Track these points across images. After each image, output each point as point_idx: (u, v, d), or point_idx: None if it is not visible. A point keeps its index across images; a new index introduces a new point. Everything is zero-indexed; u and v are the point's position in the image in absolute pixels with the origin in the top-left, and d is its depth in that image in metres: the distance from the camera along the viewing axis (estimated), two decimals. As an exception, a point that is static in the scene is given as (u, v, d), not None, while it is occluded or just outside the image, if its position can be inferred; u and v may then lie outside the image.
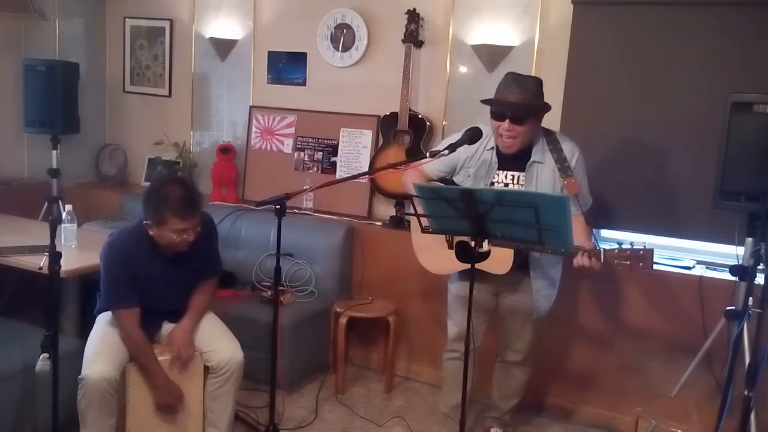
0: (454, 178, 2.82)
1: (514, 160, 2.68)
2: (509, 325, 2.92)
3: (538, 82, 2.63)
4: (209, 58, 4.62)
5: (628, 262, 2.36)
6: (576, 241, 2.34)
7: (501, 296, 2.87)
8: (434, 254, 2.86)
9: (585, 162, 2.71)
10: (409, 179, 2.80)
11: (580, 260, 2.41)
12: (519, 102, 2.54)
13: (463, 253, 2.73)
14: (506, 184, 2.71)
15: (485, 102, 2.64)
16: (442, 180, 2.85)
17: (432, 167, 2.79)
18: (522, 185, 2.68)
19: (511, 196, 2.20)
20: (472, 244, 2.30)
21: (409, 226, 2.97)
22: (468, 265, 2.66)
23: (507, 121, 2.55)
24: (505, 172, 2.71)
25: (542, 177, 2.66)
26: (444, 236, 2.66)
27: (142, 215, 2.65)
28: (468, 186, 2.70)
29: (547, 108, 2.65)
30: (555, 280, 2.84)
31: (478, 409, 3.37)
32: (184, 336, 2.75)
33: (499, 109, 2.58)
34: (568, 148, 2.67)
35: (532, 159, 2.66)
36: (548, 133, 2.70)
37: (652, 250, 2.34)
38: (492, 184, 2.71)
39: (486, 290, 2.82)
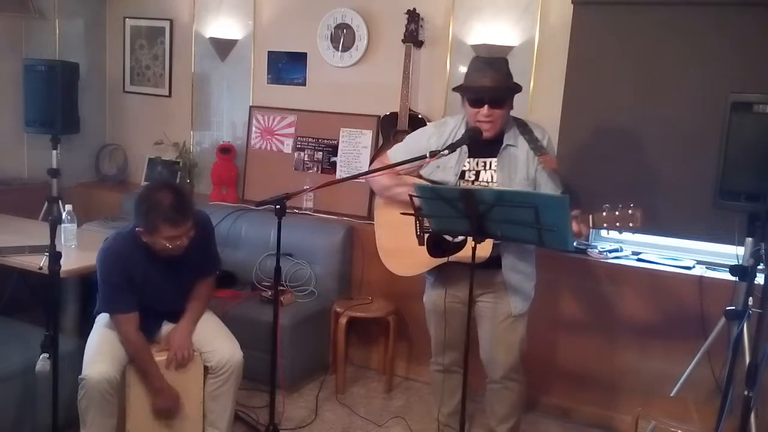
0: (421, 172, 2.72)
1: (485, 146, 2.60)
2: (488, 331, 2.73)
3: (507, 63, 2.59)
4: (209, 58, 4.62)
5: (618, 224, 2.27)
6: None
7: (478, 302, 2.70)
8: (403, 253, 2.73)
9: (554, 146, 2.66)
10: (378, 178, 2.73)
11: None
12: (495, 86, 2.49)
13: (436, 246, 2.63)
14: (477, 172, 2.62)
15: (458, 89, 2.58)
16: (409, 175, 2.73)
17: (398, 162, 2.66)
18: (494, 171, 2.60)
19: (511, 196, 2.20)
20: (447, 237, 2.25)
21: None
22: (441, 260, 2.61)
23: (486, 106, 2.49)
24: (475, 159, 2.62)
25: (516, 161, 2.58)
26: (413, 233, 2.49)
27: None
28: (438, 178, 2.64)
29: (518, 88, 2.60)
30: (530, 273, 2.70)
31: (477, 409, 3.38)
32: (182, 338, 2.75)
33: (476, 95, 2.51)
34: (539, 131, 2.62)
35: (505, 143, 2.59)
36: (518, 120, 2.65)
37: (642, 207, 2.25)
38: (462, 173, 2.63)
39: (458, 299, 2.68)
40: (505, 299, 2.68)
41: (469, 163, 2.64)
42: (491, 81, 2.50)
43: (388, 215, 2.74)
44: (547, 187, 2.58)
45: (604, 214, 2.30)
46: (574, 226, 2.32)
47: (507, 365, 2.75)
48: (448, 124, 2.70)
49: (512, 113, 2.64)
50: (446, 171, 2.65)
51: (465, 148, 2.63)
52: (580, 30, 3.48)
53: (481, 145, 2.60)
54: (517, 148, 2.60)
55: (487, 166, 2.62)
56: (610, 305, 3.36)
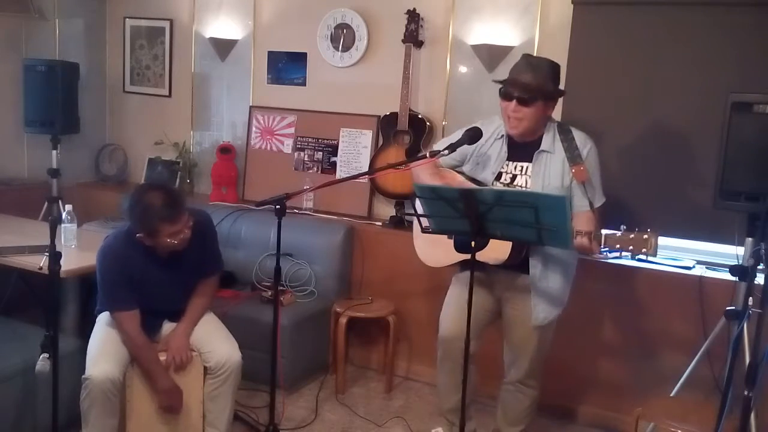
0: (464, 168, 2.76)
1: (524, 150, 2.60)
2: (511, 336, 2.77)
3: (551, 66, 2.57)
4: (209, 58, 4.62)
5: (630, 247, 2.25)
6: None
7: (504, 303, 2.75)
8: (434, 246, 2.78)
9: (599, 157, 2.61)
10: (420, 170, 2.73)
11: (579, 241, 2.33)
12: (527, 83, 2.49)
13: (462, 242, 2.64)
14: (514, 176, 2.63)
15: (497, 81, 2.60)
16: (452, 169, 2.78)
17: (444, 157, 2.70)
18: (530, 176, 2.60)
19: (511, 197, 2.20)
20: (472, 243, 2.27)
21: (412, 223, 2.92)
22: (465, 256, 2.63)
23: (514, 101, 2.51)
24: (514, 163, 2.63)
25: (551, 168, 2.57)
26: None
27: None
28: (479, 177, 2.65)
29: (558, 93, 2.59)
30: (558, 286, 2.65)
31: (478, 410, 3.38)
32: (180, 340, 2.75)
33: (506, 89, 2.54)
34: (581, 139, 2.58)
35: (541, 148, 2.58)
36: (561, 125, 2.64)
37: (657, 234, 2.23)
38: (500, 174, 2.64)
39: (486, 294, 2.73)
40: (530, 306, 2.66)
41: (506, 165, 2.65)
42: (524, 78, 2.51)
43: None
44: (579, 201, 2.54)
45: (618, 235, 2.28)
46: (585, 243, 2.32)
47: (526, 371, 2.78)
48: (493, 123, 2.69)
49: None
50: (485, 171, 2.67)
51: (505, 149, 2.64)
52: (580, 30, 3.48)
53: (520, 148, 2.61)
54: (554, 154, 2.58)
55: (524, 171, 2.62)
56: (610, 305, 3.37)
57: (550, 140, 2.59)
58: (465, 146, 2.61)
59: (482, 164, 2.68)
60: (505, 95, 2.55)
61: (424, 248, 2.87)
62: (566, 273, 2.67)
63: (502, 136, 2.66)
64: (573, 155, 2.54)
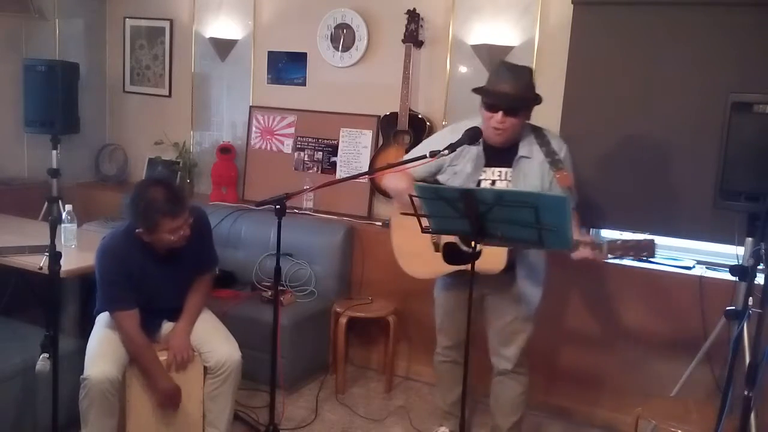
0: (439, 177, 2.74)
1: (502, 155, 2.62)
2: (497, 328, 2.81)
3: (530, 72, 2.59)
4: (209, 58, 4.62)
5: (632, 253, 2.31)
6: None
7: (487, 298, 2.79)
8: (418, 258, 2.77)
9: (572, 160, 2.66)
10: (393, 180, 2.73)
11: (582, 252, 2.36)
12: (513, 94, 2.49)
13: (452, 254, 2.66)
14: (493, 181, 2.64)
15: (477, 91, 2.58)
16: (424, 180, 2.74)
17: (416, 167, 2.67)
18: (509, 181, 2.62)
19: (511, 196, 2.19)
20: (463, 247, 2.27)
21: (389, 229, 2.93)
22: (455, 267, 2.65)
23: (500, 113, 2.50)
24: (492, 168, 2.65)
25: (530, 172, 2.60)
26: (429, 238, 2.60)
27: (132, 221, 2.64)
28: (457, 185, 2.64)
29: (538, 100, 2.60)
30: (540, 277, 2.76)
31: (475, 409, 3.38)
32: (181, 339, 2.75)
33: (492, 101, 2.52)
34: (557, 143, 2.63)
35: (519, 154, 2.60)
36: (536, 129, 2.66)
37: (653, 240, 2.30)
38: (479, 181, 2.65)
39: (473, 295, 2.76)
40: (516, 301, 2.74)
41: (485, 172, 2.65)
42: (510, 88, 2.49)
43: (406, 219, 2.74)
44: None
45: (619, 243, 2.34)
46: (588, 254, 2.36)
47: (517, 358, 2.82)
48: (463, 128, 2.67)
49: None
50: (464, 178, 2.66)
51: (482, 156, 2.64)
52: (580, 30, 3.48)
53: (497, 153, 2.62)
54: (532, 159, 2.61)
55: (503, 176, 2.64)
56: (610, 305, 3.36)
57: (528, 145, 2.62)
58: (441, 157, 2.57)
59: (459, 173, 2.68)
60: (491, 107, 2.53)
61: (409, 264, 2.85)
62: (540, 274, 2.76)
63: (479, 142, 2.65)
64: (554, 160, 2.58)
